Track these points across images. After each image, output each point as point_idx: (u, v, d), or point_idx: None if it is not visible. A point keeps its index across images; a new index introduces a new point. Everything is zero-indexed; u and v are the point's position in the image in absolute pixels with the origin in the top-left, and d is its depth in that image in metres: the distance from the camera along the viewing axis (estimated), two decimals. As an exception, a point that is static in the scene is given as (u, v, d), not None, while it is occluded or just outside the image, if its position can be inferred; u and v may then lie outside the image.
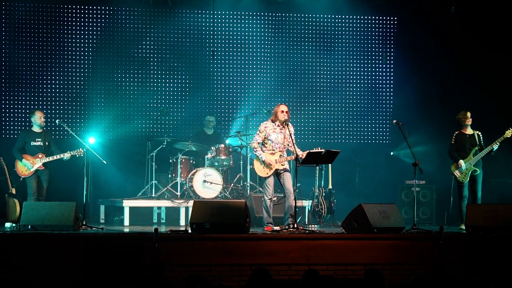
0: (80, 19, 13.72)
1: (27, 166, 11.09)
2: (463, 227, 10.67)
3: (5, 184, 11.43)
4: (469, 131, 11.13)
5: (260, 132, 10.41)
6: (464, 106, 11.43)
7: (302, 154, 10.14)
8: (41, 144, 11.23)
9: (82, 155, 10.99)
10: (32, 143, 11.22)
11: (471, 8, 13.47)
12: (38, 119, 11.25)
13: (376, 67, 14.60)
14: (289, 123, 10.41)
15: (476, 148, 10.96)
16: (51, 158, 11.14)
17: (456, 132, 11.17)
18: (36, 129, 11.30)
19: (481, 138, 11.08)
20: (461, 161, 10.93)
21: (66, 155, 11.08)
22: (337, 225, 11.36)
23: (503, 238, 9.45)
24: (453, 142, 11.13)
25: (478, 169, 10.95)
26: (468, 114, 11.10)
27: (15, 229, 10.31)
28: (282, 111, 10.33)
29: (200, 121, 13.99)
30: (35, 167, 11.10)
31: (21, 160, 11.11)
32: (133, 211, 12.21)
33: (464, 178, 10.95)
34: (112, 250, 8.79)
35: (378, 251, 9.26)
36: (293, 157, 10.23)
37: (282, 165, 10.30)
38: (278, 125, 10.38)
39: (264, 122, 10.50)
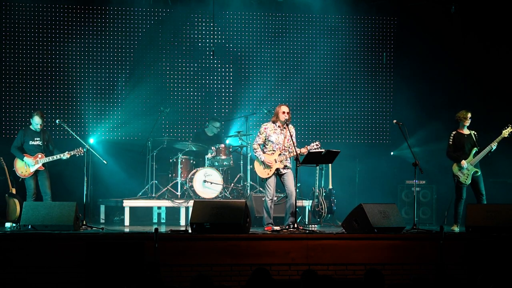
0: (80, 19, 13.71)
1: (29, 164, 10.98)
2: (455, 228, 10.65)
3: (5, 184, 11.42)
4: (465, 131, 10.99)
5: (260, 133, 10.39)
6: (464, 106, 11.39)
7: (302, 151, 10.12)
8: (40, 143, 11.13)
9: (82, 154, 10.89)
10: (31, 142, 11.12)
11: (471, 8, 13.48)
12: (35, 124, 11.08)
13: (376, 67, 14.59)
14: (290, 124, 10.40)
15: (476, 148, 10.84)
16: (50, 158, 11.05)
17: (454, 132, 11.02)
18: (34, 128, 11.19)
19: (477, 137, 10.95)
20: (464, 161, 10.80)
21: (66, 155, 11.00)
22: (337, 225, 11.37)
23: (503, 238, 9.45)
24: (450, 142, 10.97)
25: (479, 170, 10.85)
26: (469, 114, 10.93)
27: (15, 229, 10.29)
28: (284, 112, 10.30)
29: (201, 121, 13.98)
30: (36, 167, 11.03)
31: (22, 159, 11.02)
32: (133, 211, 12.20)
33: (466, 179, 10.82)
34: (112, 250, 8.79)
35: (378, 251, 9.27)
36: (292, 153, 10.21)
37: (282, 163, 10.30)
38: (278, 126, 10.36)
39: (265, 124, 10.48)
